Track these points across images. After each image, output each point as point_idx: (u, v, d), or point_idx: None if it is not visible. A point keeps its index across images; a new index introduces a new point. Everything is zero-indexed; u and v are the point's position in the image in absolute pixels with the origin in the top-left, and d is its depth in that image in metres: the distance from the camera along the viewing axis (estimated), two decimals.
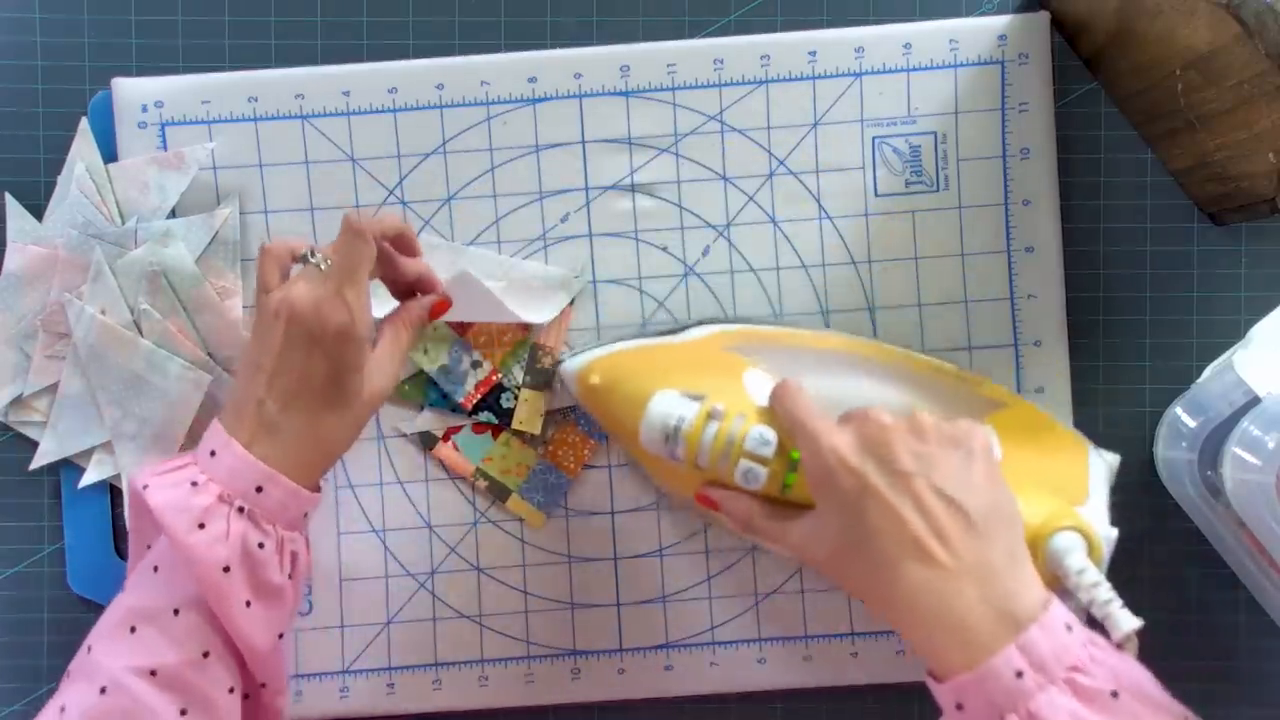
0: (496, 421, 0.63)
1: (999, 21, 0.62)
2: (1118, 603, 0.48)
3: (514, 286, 0.62)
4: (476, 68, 0.63)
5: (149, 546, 0.51)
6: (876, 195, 0.63)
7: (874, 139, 0.63)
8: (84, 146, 0.63)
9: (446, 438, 0.63)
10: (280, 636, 0.51)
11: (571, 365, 0.60)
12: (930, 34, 0.62)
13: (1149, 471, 0.64)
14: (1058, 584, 0.50)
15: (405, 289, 0.58)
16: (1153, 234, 0.64)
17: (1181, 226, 0.64)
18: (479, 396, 0.63)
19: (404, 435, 0.63)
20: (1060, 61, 0.63)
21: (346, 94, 0.63)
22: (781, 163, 0.63)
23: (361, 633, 0.63)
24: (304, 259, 0.53)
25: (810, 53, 0.63)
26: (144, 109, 0.63)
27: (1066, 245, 0.63)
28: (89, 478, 0.63)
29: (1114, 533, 0.54)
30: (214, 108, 0.63)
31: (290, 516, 0.51)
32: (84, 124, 0.63)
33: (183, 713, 0.48)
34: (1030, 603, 0.44)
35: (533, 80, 0.63)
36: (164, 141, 0.63)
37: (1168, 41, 0.55)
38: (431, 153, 0.63)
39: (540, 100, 0.63)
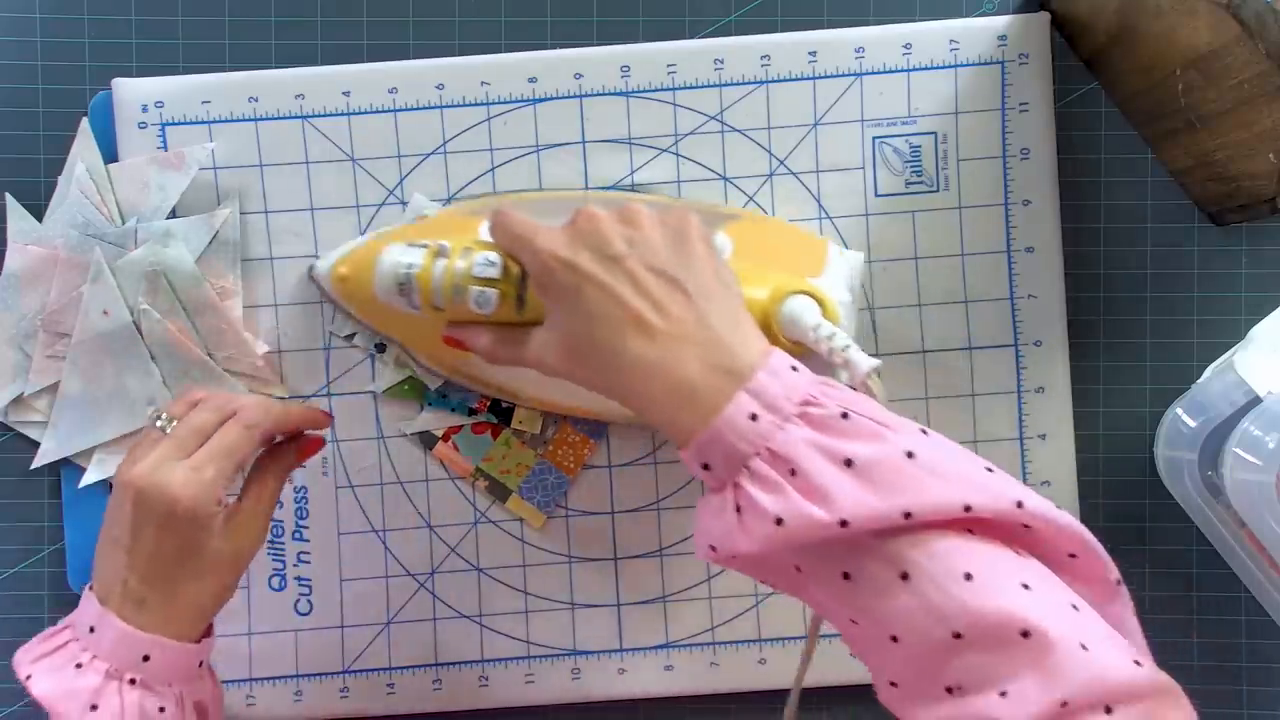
0: (496, 421, 0.63)
1: (999, 22, 0.62)
2: (855, 347, 0.49)
3: None
4: (476, 68, 0.63)
5: None
6: (876, 195, 0.63)
7: (874, 139, 0.63)
8: (84, 146, 0.63)
9: (446, 438, 0.63)
10: None
11: (323, 265, 0.60)
12: (930, 34, 0.62)
13: (1149, 471, 0.64)
14: (801, 350, 0.51)
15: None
16: (1153, 234, 0.64)
17: (1181, 226, 0.64)
18: (490, 398, 0.63)
19: (404, 435, 0.63)
20: (1060, 61, 0.63)
21: (346, 94, 0.63)
22: (782, 163, 0.63)
23: (361, 633, 0.63)
24: (152, 421, 0.53)
25: (810, 53, 0.63)
26: (144, 109, 0.63)
27: (1066, 245, 0.63)
28: (89, 478, 0.63)
29: (849, 298, 0.55)
30: (214, 108, 0.63)
31: (184, 673, 0.50)
32: (84, 124, 0.63)
33: None
34: (752, 354, 0.44)
35: (533, 80, 0.63)
36: (164, 141, 0.63)
37: (1168, 41, 0.55)
38: (431, 153, 0.63)
39: (540, 100, 0.63)
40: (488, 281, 0.52)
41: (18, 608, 0.64)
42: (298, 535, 0.63)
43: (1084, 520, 0.63)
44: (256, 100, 0.63)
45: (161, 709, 0.49)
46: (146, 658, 0.49)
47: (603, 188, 0.63)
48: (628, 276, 0.46)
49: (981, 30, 0.63)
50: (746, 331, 0.46)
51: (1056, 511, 0.42)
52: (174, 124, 0.63)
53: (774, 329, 0.52)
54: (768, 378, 0.43)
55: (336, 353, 0.63)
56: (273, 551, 0.63)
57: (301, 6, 0.64)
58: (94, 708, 0.48)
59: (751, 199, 0.63)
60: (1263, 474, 0.51)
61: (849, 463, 0.41)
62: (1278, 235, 0.64)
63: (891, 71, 0.63)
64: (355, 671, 0.63)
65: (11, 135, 0.64)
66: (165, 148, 0.63)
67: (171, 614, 0.50)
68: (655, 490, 0.63)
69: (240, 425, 0.52)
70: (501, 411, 0.63)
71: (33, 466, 0.63)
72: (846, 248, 0.62)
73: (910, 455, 0.41)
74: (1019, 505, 0.41)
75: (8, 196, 0.63)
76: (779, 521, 0.41)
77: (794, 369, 0.44)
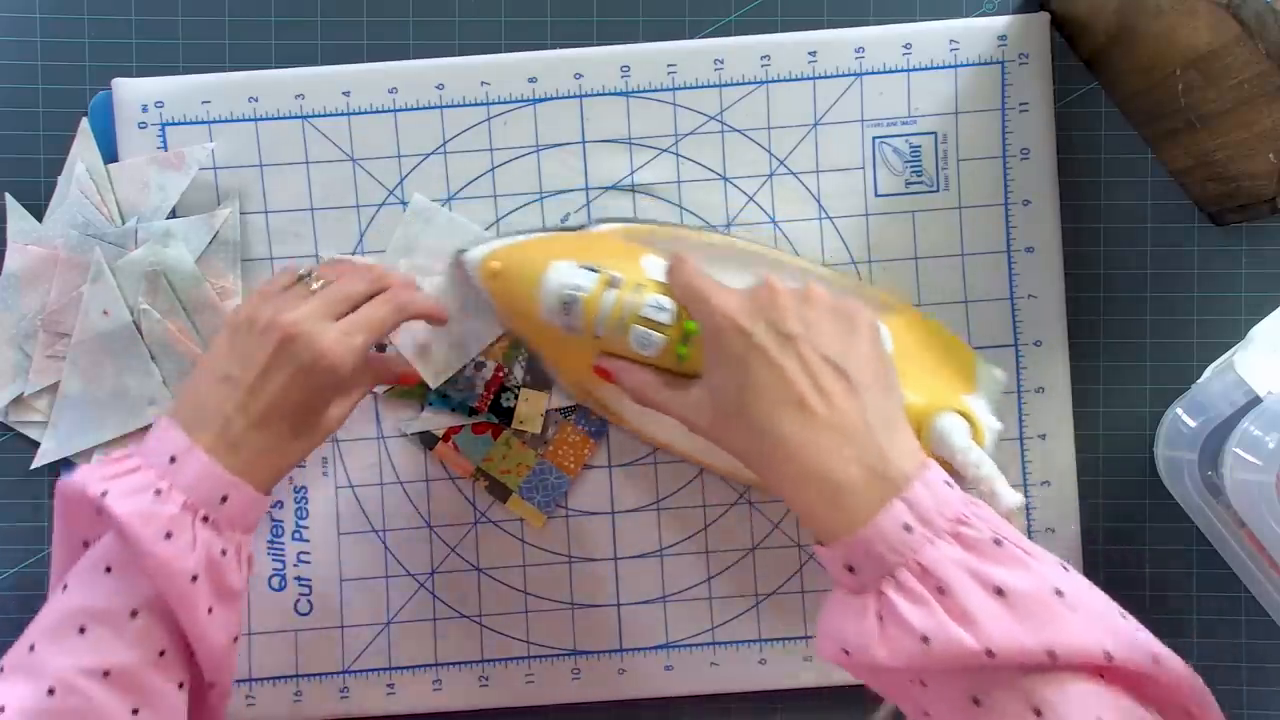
0: (497, 421, 0.63)
1: (999, 22, 0.62)
2: (1001, 480, 0.49)
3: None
4: (476, 68, 0.63)
5: (85, 543, 0.50)
6: (876, 195, 0.63)
7: (874, 139, 0.63)
8: (84, 146, 0.63)
9: (447, 438, 0.63)
10: (235, 640, 0.51)
11: (474, 254, 0.60)
12: (930, 34, 0.62)
13: (1149, 471, 0.64)
14: (945, 467, 0.50)
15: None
16: (1153, 234, 0.64)
17: (1181, 226, 0.64)
18: (491, 397, 0.63)
19: (404, 435, 0.63)
20: (1060, 61, 0.63)
21: (346, 94, 0.63)
22: (782, 163, 0.63)
23: (361, 633, 0.63)
24: (300, 278, 0.54)
25: (810, 53, 0.63)
26: (144, 109, 0.63)
27: (1066, 245, 0.63)
28: None
29: (998, 425, 0.55)
30: (214, 108, 0.63)
31: (248, 522, 0.51)
32: (84, 124, 0.63)
33: (134, 712, 0.47)
34: (908, 464, 0.45)
35: (533, 80, 0.63)
36: (164, 141, 0.63)
37: (1168, 41, 0.55)
38: (431, 153, 0.63)
39: (540, 100, 0.63)
40: (654, 325, 0.52)
41: (18, 608, 0.64)
42: (298, 535, 0.63)
43: (1083, 520, 0.64)
44: (256, 100, 0.63)
45: (224, 552, 0.49)
46: (225, 499, 0.49)
47: (603, 187, 0.63)
48: (797, 357, 0.46)
49: (981, 30, 0.63)
50: (903, 437, 0.46)
51: (1185, 668, 0.42)
52: (174, 124, 0.63)
53: (922, 439, 0.52)
54: (923, 489, 0.44)
55: None
56: (273, 551, 0.63)
57: (301, 6, 0.64)
58: (168, 536, 0.48)
59: (751, 199, 0.63)
60: (1263, 474, 0.51)
61: (1000, 591, 0.41)
62: (1278, 235, 0.64)
63: (891, 71, 0.63)
64: (355, 671, 0.63)
65: (11, 135, 0.64)
66: (165, 148, 0.63)
67: (259, 464, 0.51)
68: (655, 490, 0.63)
69: (393, 304, 0.54)
70: (502, 411, 0.63)
71: (33, 466, 0.63)
72: (968, 339, 0.62)
73: (1059, 593, 0.42)
74: (1155, 660, 0.41)
75: (8, 196, 0.63)
76: (925, 639, 0.41)
77: (948, 484, 0.45)
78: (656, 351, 0.52)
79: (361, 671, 0.63)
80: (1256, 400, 0.54)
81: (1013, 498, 0.48)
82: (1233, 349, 0.60)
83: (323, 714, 0.64)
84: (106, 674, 0.47)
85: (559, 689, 0.64)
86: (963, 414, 0.53)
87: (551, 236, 0.61)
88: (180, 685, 0.49)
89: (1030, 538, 0.63)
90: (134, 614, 0.48)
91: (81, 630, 0.47)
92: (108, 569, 0.48)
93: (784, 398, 0.46)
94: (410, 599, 0.63)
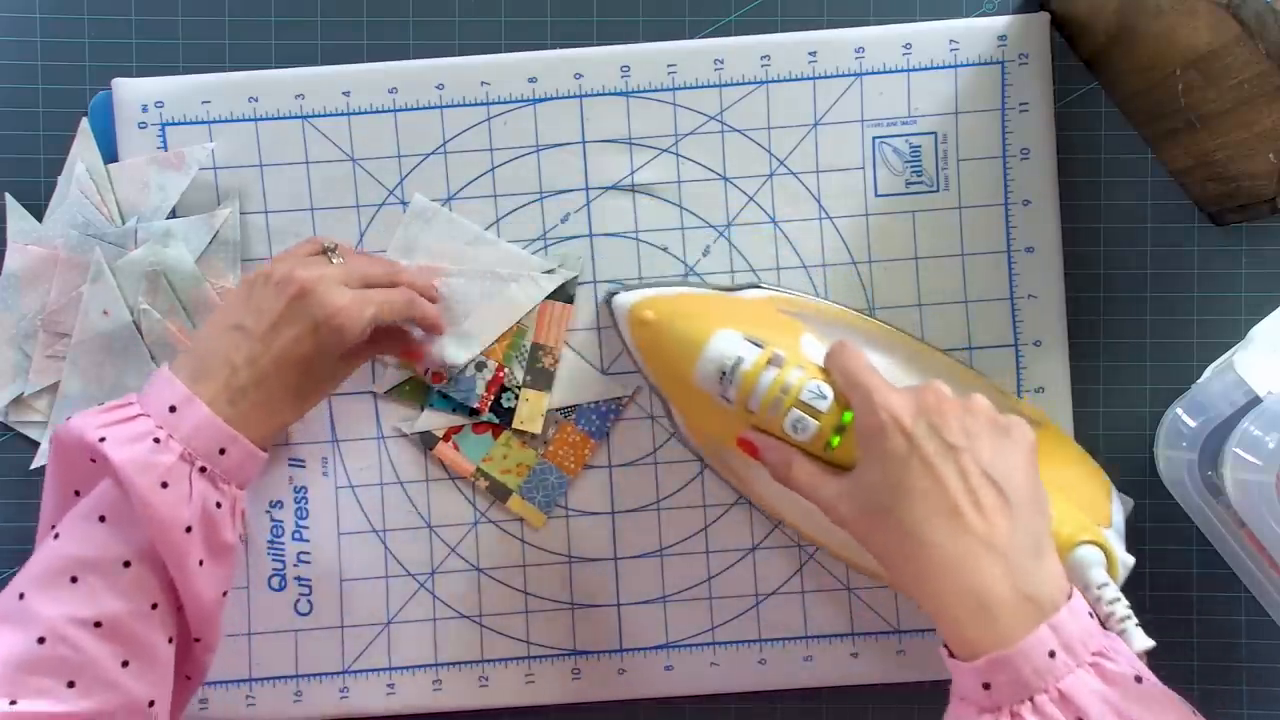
0: (497, 421, 0.63)
1: (999, 22, 0.62)
2: (1134, 621, 0.48)
3: (471, 276, 0.62)
4: (476, 68, 0.63)
5: (77, 492, 0.50)
6: (876, 195, 0.63)
7: (874, 139, 0.63)
8: (84, 146, 0.63)
9: (447, 438, 0.63)
10: (224, 594, 0.51)
11: (625, 299, 0.59)
12: (930, 34, 0.62)
13: (1149, 471, 0.64)
14: None
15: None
16: (1153, 234, 0.64)
17: (1181, 226, 0.64)
18: (491, 397, 0.63)
19: (404, 435, 0.63)
20: (1060, 61, 0.63)
21: (346, 94, 0.63)
22: (782, 163, 0.63)
23: (361, 633, 0.63)
24: (325, 250, 0.56)
25: (810, 53, 0.63)
26: (144, 109, 0.63)
27: (1066, 245, 0.63)
28: None
29: (1131, 560, 0.54)
30: (214, 108, 0.63)
31: (244, 477, 0.51)
32: (84, 124, 0.63)
33: (124, 664, 0.47)
34: (1055, 590, 0.44)
35: (533, 80, 0.63)
36: (164, 141, 0.63)
37: (1168, 41, 0.55)
38: (431, 153, 0.63)
39: (540, 100, 0.63)
40: (811, 410, 0.51)
41: None
42: (298, 535, 0.63)
43: None
44: (256, 100, 0.63)
45: (218, 505, 0.50)
46: (223, 451, 0.50)
47: (603, 187, 0.63)
48: (957, 467, 0.46)
49: (981, 30, 0.63)
50: (1051, 561, 0.46)
51: None
52: (174, 124, 0.63)
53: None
54: (1069, 617, 0.44)
55: None
56: (273, 551, 0.63)
57: (301, 6, 0.64)
58: (165, 485, 0.48)
59: (751, 199, 0.63)
60: (1263, 474, 0.51)
61: None
62: (1278, 235, 0.64)
63: (891, 71, 0.63)
64: (355, 671, 0.63)
65: (11, 135, 0.64)
66: (165, 148, 0.63)
67: (257, 419, 0.51)
68: (655, 490, 0.63)
69: (407, 295, 0.57)
70: (502, 411, 0.63)
71: (33, 466, 0.63)
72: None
73: None
74: None
75: (8, 196, 0.63)
76: None
77: (1091, 615, 0.45)
78: (810, 437, 0.51)
79: (361, 671, 0.63)
80: (1256, 400, 0.54)
81: (1143, 642, 0.47)
82: (1233, 349, 0.60)
83: (323, 714, 0.64)
84: (98, 624, 0.47)
85: (559, 689, 0.64)
86: (1099, 545, 0.52)
87: (706, 295, 0.60)
88: (170, 640, 0.49)
89: None
90: (127, 565, 0.48)
91: (73, 580, 0.47)
92: (102, 518, 0.48)
93: (939, 507, 0.45)
94: (410, 599, 0.63)
